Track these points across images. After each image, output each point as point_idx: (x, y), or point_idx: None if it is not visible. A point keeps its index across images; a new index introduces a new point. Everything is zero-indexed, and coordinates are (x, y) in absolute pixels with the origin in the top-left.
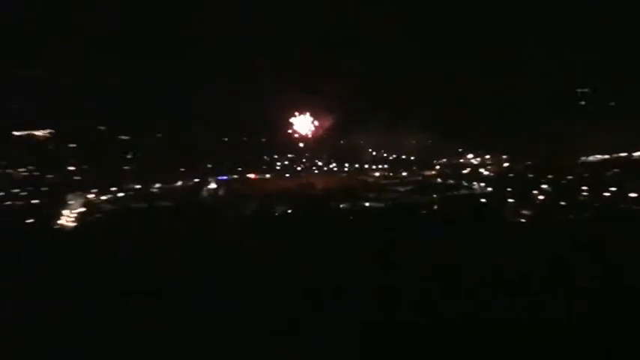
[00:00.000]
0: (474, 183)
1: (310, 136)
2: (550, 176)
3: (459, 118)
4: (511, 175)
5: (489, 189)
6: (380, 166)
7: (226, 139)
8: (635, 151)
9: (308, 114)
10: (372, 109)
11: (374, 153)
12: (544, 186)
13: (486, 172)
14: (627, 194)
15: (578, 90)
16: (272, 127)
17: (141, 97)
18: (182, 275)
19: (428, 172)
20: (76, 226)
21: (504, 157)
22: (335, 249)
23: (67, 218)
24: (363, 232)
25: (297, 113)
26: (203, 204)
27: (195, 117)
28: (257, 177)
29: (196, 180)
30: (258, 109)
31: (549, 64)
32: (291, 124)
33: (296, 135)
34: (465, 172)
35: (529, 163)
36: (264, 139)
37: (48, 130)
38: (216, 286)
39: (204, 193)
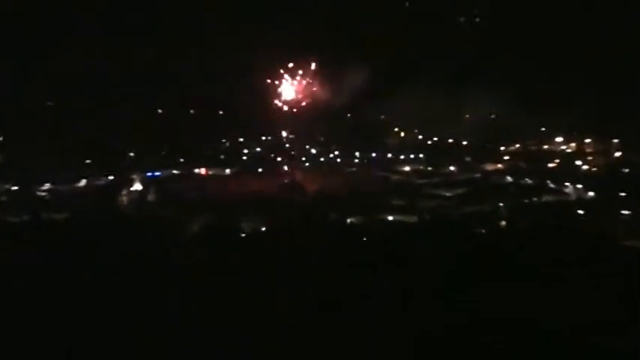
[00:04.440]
0: (566, 184)
1: (298, 107)
2: None
3: (541, 78)
4: (626, 170)
5: (590, 194)
6: (412, 156)
7: (160, 112)
8: None
9: (296, 74)
10: (399, 62)
11: (402, 134)
12: None
13: (586, 167)
14: None
15: None
16: (235, 94)
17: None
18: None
19: (490, 166)
20: None
21: (614, 142)
22: (335, 299)
23: None
24: (383, 268)
25: (278, 72)
26: (121, 216)
27: (108, 78)
28: (210, 173)
29: (110, 177)
30: (214, 65)
31: None
32: (269, 89)
33: (276, 106)
34: (551, 165)
35: None
36: (221, 112)
37: None
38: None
39: (124, 198)
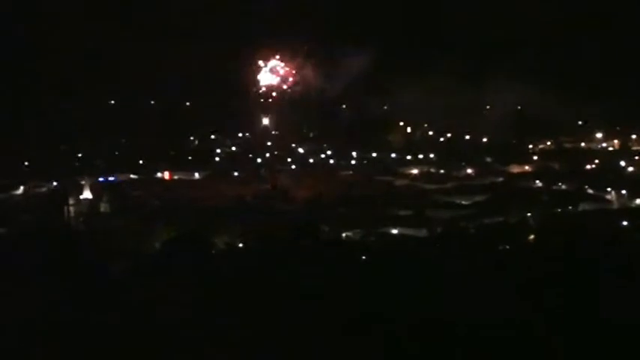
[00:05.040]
0: (608, 189)
1: (283, 97)
2: None
3: (577, 63)
4: None
5: (637, 201)
6: (420, 156)
7: (113, 103)
8: None
9: (281, 57)
10: (405, 43)
11: (408, 130)
12: None
13: (631, 169)
14: None
15: None
16: (205, 82)
17: None
18: None
19: (516, 169)
20: None
21: None
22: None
23: None
24: (386, 291)
25: (259, 54)
26: (67, 230)
27: (50, 66)
28: (175, 177)
29: (54, 184)
30: (178, 47)
31: None
32: (247, 76)
33: (255, 95)
34: (589, 167)
35: None
36: (188, 104)
37: None
38: None
39: (70, 208)
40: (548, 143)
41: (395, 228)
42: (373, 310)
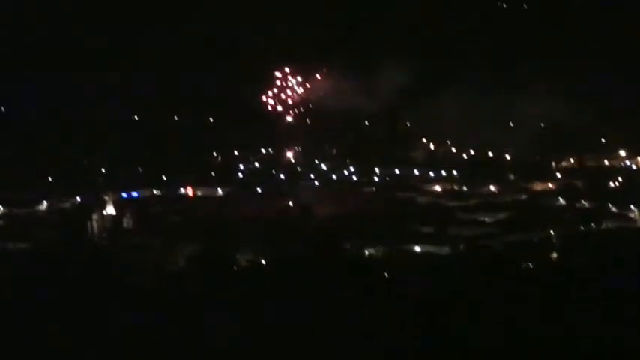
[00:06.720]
0: (632, 207)
1: (305, 113)
2: None
3: (600, 80)
4: None
5: None
6: (443, 173)
7: (137, 119)
8: None
9: (304, 73)
10: (429, 59)
11: (431, 147)
12: None
13: None
14: None
15: None
16: (229, 97)
17: None
18: None
19: (539, 186)
20: None
21: None
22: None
23: None
24: (409, 310)
25: (282, 70)
26: (90, 246)
27: (75, 81)
28: (198, 193)
29: (77, 199)
30: (203, 62)
31: None
32: (270, 91)
33: (278, 112)
34: (612, 185)
35: None
36: (212, 120)
37: None
38: None
39: (94, 224)
40: (572, 161)
41: (417, 245)
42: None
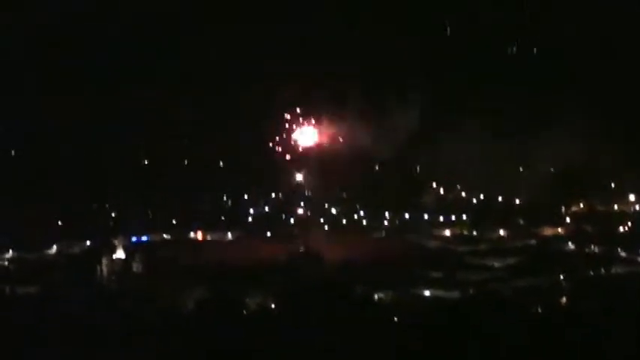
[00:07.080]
0: None
1: (315, 158)
2: None
3: (610, 125)
4: None
5: None
6: (453, 218)
7: (146, 163)
8: None
9: (312, 117)
10: (438, 103)
11: (441, 192)
12: None
13: None
14: None
15: None
16: (238, 142)
17: None
18: None
19: (548, 231)
20: None
21: None
22: None
23: None
24: (419, 354)
25: (291, 114)
26: (100, 290)
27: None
28: (208, 237)
29: (87, 243)
30: (211, 106)
31: None
32: (279, 136)
33: (287, 156)
34: (622, 230)
35: None
36: (221, 164)
37: None
38: None
39: (104, 268)
40: (581, 206)
41: (427, 289)
42: None
